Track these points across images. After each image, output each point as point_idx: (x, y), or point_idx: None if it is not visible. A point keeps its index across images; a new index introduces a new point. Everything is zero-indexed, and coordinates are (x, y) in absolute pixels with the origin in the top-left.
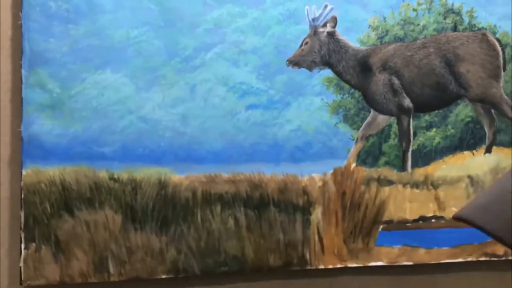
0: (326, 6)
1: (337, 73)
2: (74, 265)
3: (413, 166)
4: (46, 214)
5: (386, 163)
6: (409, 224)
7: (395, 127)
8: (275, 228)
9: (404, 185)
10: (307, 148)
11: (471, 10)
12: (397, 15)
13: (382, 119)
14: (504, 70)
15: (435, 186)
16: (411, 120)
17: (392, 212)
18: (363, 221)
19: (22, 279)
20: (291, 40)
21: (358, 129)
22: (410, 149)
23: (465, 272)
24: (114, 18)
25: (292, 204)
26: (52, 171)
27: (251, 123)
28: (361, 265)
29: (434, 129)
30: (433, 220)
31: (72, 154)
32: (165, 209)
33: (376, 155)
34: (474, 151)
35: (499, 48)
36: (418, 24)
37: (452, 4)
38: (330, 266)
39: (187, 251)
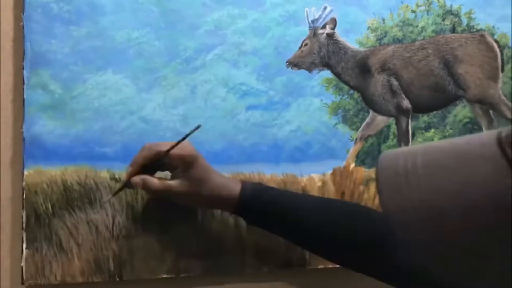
0: (325, 8)
1: (336, 74)
2: (76, 264)
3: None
4: (47, 214)
5: None
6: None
7: (394, 128)
8: None
9: None
10: (306, 149)
11: (469, 12)
12: (396, 17)
13: (381, 120)
14: (502, 71)
15: None
16: (409, 120)
17: None
18: None
19: (24, 278)
20: (290, 41)
21: (357, 130)
22: None
23: None
24: (115, 19)
25: None
26: (54, 171)
27: (251, 123)
28: None
29: (432, 130)
30: None
31: (74, 154)
32: (166, 209)
33: (375, 155)
34: None
35: (498, 50)
36: (417, 26)
37: (451, 5)
38: (330, 266)
39: (187, 251)
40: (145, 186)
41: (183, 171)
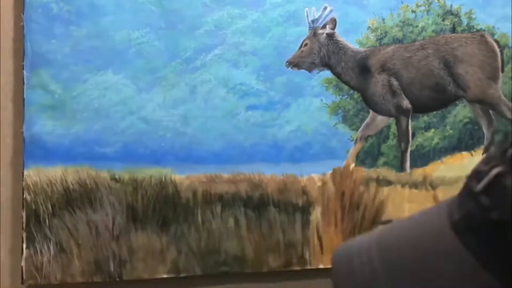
0: (325, 8)
1: (336, 74)
2: (75, 264)
3: (411, 167)
4: (47, 214)
5: (385, 164)
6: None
7: (394, 128)
8: (275, 228)
9: (403, 185)
10: (306, 149)
11: (469, 12)
12: (396, 17)
13: (381, 120)
14: (502, 71)
15: (434, 186)
16: (409, 120)
17: (391, 212)
18: (362, 221)
19: (24, 278)
20: (290, 41)
21: (357, 130)
22: (409, 150)
23: None
24: (115, 19)
25: (291, 204)
26: (54, 171)
27: (251, 123)
28: None
29: (432, 130)
30: None
31: (74, 154)
32: (166, 209)
33: (375, 155)
34: (473, 152)
35: (498, 50)
36: (417, 26)
37: (451, 5)
38: (330, 266)
39: (187, 251)
40: None
41: None
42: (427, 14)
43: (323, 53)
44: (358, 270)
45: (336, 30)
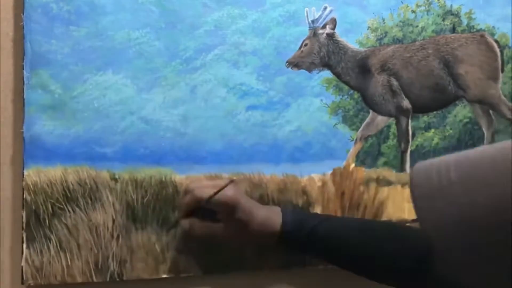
0: (325, 8)
1: (336, 75)
2: (76, 264)
3: (411, 167)
4: (47, 214)
5: (385, 164)
6: (408, 224)
7: (394, 128)
8: None
9: (403, 185)
10: (306, 149)
11: (469, 12)
12: (396, 17)
13: (381, 120)
14: (502, 71)
15: None
16: (409, 121)
17: (391, 212)
18: None
19: (24, 278)
20: (290, 41)
21: (357, 130)
22: (409, 150)
23: None
24: (115, 19)
25: (291, 204)
26: (54, 171)
27: (251, 123)
28: None
29: (432, 130)
30: None
31: (74, 154)
32: (166, 209)
33: (375, 155)
34: None
35: (498, 50)
36: (417, 26)
37: (451, 5)
38: (330, 266)
39: (187, 251)
40: (190, 230)
41: (225, 215)
42: (427, 14)
43: (323, 53)
44: (436, 182)
45: (336, 30)
